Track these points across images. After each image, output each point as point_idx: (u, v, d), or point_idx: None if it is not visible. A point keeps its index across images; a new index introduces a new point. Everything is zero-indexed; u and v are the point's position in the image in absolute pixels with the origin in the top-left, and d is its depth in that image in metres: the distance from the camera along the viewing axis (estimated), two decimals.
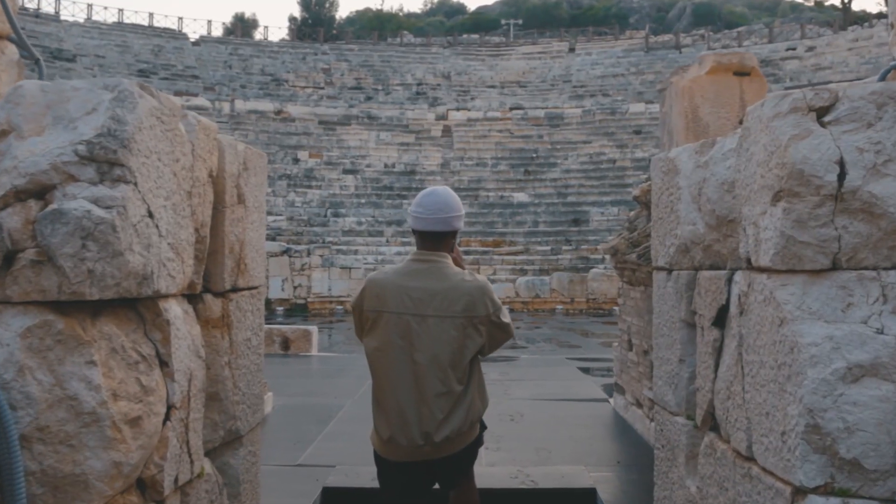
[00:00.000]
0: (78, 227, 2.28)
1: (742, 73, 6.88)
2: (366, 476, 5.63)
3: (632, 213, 7.23)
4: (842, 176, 2.32)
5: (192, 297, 3.18)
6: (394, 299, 3.20)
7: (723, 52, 7.22)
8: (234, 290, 3.54)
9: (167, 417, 2.74)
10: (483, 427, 3.48)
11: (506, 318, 3.33)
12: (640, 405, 7.23)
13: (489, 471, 5.74)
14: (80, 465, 2.37)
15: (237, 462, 3.62)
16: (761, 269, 2.56)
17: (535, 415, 7.88)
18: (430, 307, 3.16)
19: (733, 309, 2.85)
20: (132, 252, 2.42)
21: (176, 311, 2.81)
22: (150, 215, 2.56)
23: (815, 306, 2.34)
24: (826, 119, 2.37)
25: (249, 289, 3.76)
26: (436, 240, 3.32)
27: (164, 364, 2.72)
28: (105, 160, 2.36)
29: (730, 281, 2.94)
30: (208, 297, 3.30)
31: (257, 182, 3.82)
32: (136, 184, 2.44)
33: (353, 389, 9.31)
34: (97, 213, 2.30)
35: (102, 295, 2.37)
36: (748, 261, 2.69)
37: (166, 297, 2.76)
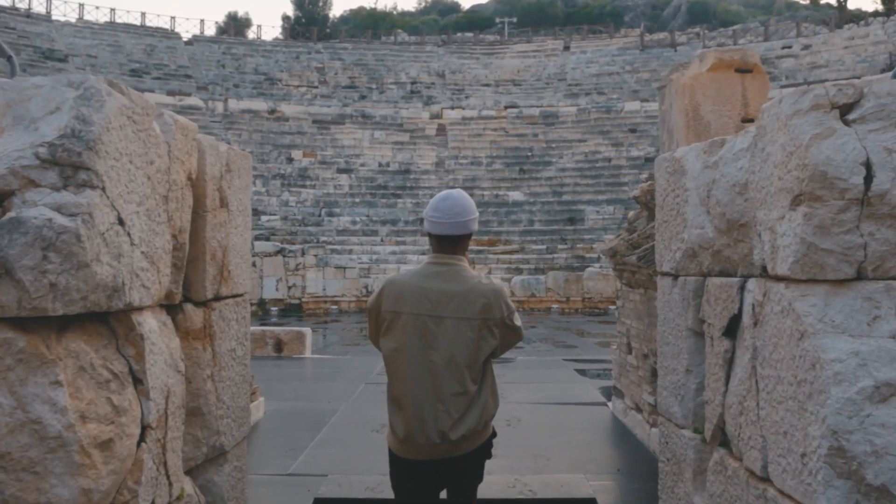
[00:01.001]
0: (38, 237, 2.10)
1: (744, 69, 6.70)
2: (358, 486, 5.46)
3: (631, 213, 7.06)
4: (868, 178, 2.14)
5: (170, 307, 3.00)
6: (412, 301, 3.23)
7: (724, 49, 7.04)
8: (217, 298, 3.36)
9: (142, 438, 2.55)
10: (493, 434, 3.50)
11: (518, 321, 3.40)
12: (639, 410, 7.06)
13: (486, 479, 5.50)
14: (45, 494, 2.19)
15: (222, 479, 3.44)
16: (779, 278, 2.39)
17: (532, 419, 7.71)
18: (448, 309, 3.20)
19: (746, 319, 2.68)
20: (100, 263, 2.24)
21: (151, 324, 2.62)
22: (121, 222, 2.37)
23: (838, 319, 2.17)
24: (850, 117, 2.19)
25: (234, 297, 3.58)
26: (453, 243, 3.36)
27: (138, 381, 2.54)
28: (69, 163, 2.18)
29: (742, 289, 2.76)
30: (188, 307, 3.12)
31: (241, 184, 3.63)
32: (104, 189, 2.26)
33: (346, 394, 9.13)
34: (60, 222, 2.12)
35: (67, 310, 2.18)
36: (763, 268, 2.52)
37: (140, 309, 2.58)
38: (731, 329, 2.86)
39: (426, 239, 26.89)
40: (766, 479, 2.51)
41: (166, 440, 2.71)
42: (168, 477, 2.74)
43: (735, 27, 55.82)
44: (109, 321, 2.46)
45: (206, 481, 3.36)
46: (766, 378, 2.47)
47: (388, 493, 5.34)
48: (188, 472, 3.20)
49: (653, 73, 43.65)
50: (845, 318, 2.17)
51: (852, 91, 2.20)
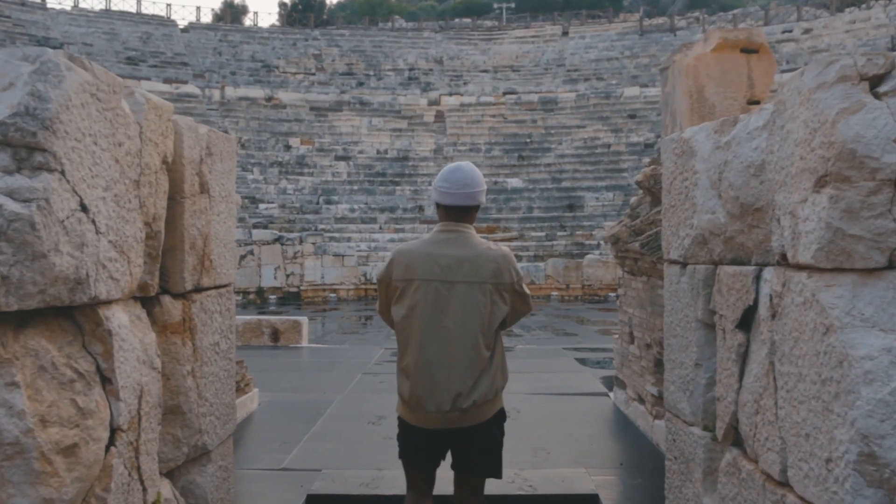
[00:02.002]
0: None
1: (750, 50, 6.48)
2: (353, 482, 5.29)
3: (633, 199, 6.86)
4: None
5: (145, 300, 2.81)
6: (422, 267, 3.26)
7: (729, 29, 6.82)
8: (198, 289, 3.17)
9: (111, 442, 2.37)
10: (504, 416, 3.50)
11: (527, 289, 3.43)
12: (642, 401, 6.89)
13: None
14: None
15: (205, 480, 3.26)
16: (800, 267, 2.19)
17: (532, 411, 7.53)
18: (459, 274, 3.23)
19: (763, 311, 2.49)
20: (59, 253, 2.04)
21: (121, 318, 2.43)
22: (84, 209, 2.18)
23: (868, 312, 1.98)
24: (881, 89, 1.99)
25: (216, 287, 3.38)
26: (461, 213, 3.40)
27: (106, 381, 2.35)
28: (22, 144, 1.98)
29: (758, 278, 2.57)
30: (166, 299, 2.93)
31: (224, 169, 3.43)
32: (63, 172, 2.06)
33: (342, 384, 8.95)
34: (12, 208, 1.92)
35: (23, 305, 1.99)
36: (783, 256, 2.32)
37: (108, 303, 2.38)
38: (746, 321, 2.67)
39: (425, 227, 26.80)
40: (785, 485, 2.32)
41: (140, 443, 2.53)
42: (142, 482, 2.56)
43: (735, 11, 55.42)
44: (75, 316, 2.27)
45: (188, 483, 3.18)
46: (786, 375, 2.29)
47: (383, 490, 5.19)
48: (168, 474, 3.02)
49: (652, 59, 43.34)
50: (876, 311, 1.98)
51: (883, 61, 2.00)
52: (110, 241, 2.33)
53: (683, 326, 3.25)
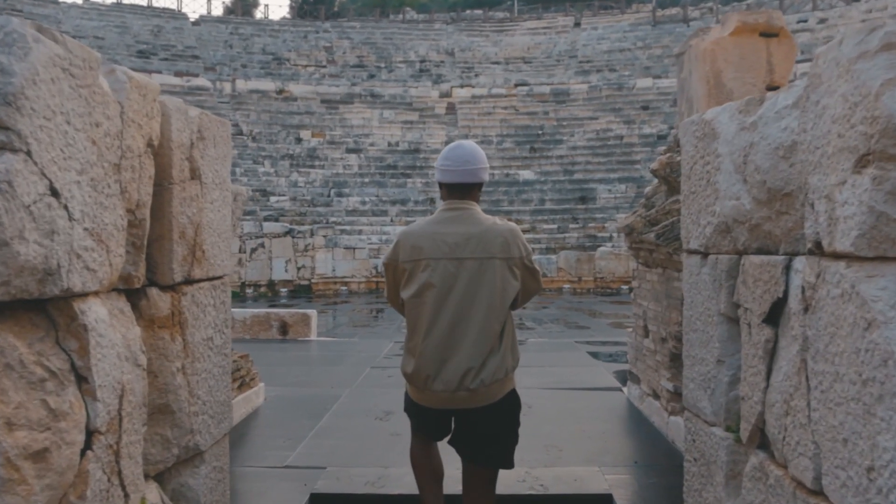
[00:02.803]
0: None
1: (770, 34, 6.25)
2: (358, 481, 5.12)
3: (648, 188, 6.64)
4: None
5: (131, 292, 2.63)
6: (429, 246, 3.20)
7: (748, 11, 6.59)
8: (189, 281, 3.00)
9: (88, 446, 2.20)
10: (519, 405, 3.52)
11: (537, 266, 3.39)
12: (656, 396, 6.69)
13: None
14: None
15: (197, 482, 3.09)
16: (837, 256, 1.99)
17: (544, 406, 7.35)
18: (467, 250, 3.17)
19: (794, 304, 2.29)
20: (24, 241, 1.87)
21: (99, 312, 2.25)
22: (55, 193, 2.00)
23: None
24: None
25: (210, 279, 3.21)
26: (463, 191, 3.36)
27: (82, 379, 2.17)
28: None
29: (788, 268, 2.37)
30: (153, 291, 2.75)
31: (218, 154, 3.25)
32: (29, 152, 1.89)
33: (350, 379, 8.79)
34: None
35: None
36: (817, 244, 2.12)
37: (84, 295, 2.21)
38: (774, 315, 2.47)
39: None
40: (818, 493, 2.13)
41: (120, 446, 2.35)
42: (123, 487, 2.39)
43: (749, 1, 54.85)
44: (48, 310, 2.10)
45: (180, 485, 3.01)
46: (821, 374, 2.09)
47: (389, 489, 5.02)
48: (157, 477, 2.85)
49: (665, 49, 42.95)
50: None
51: None
52: (86, 229, 2.16)
53: (704, 320, 3.05)
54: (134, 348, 2.48)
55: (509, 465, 3.47)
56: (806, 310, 2.19)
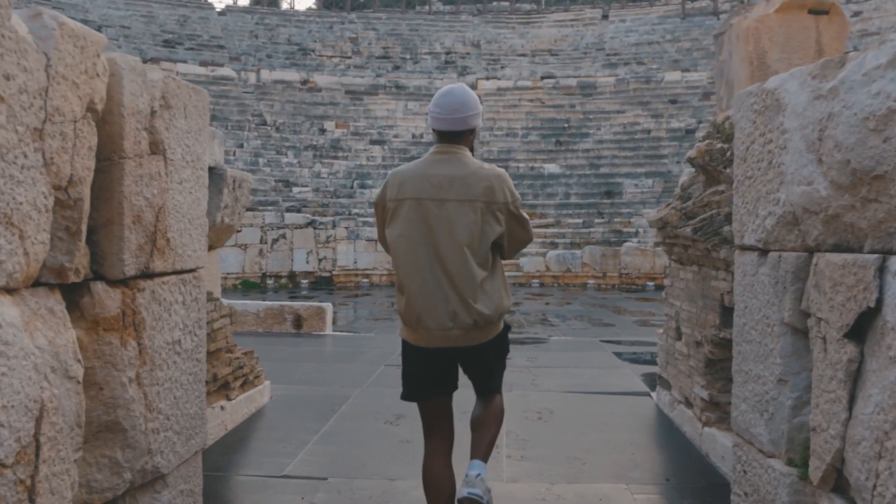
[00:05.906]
0: None
1: (819, 11, 5.69)
2: (360, 495, 4.66)
3: (684, 178, 6.11)
4: None
5: (68, 288, 2.17)
6: (414, 186, 3.27)
7: None
8: (148, 275, 2.53)
9: None
10: (507, 327, 3.57)
11: (526, 215, 3.43)
12: (689, 404, 6.17)
13: (511, 489, 4.75)
14: None
15: None
16: None
17: (566, 412, 6.85)
18: (450, 192, 3.22)
19: (891, 317, 1.78)
20: None
21: (8, 314, 1.79)
22: None
23: None
24: None
25: (177, 273, 2.75)
26: (454, 137, 3.39)
27: None
28: None
29: (881, 270, 1.86)
30: (98, 286, 2.29)
31: (190, 127, 2.78)
32: None
33: (362, 377, 8.35)
34: None
35: None
36: None
37: None
38: (860, 329, 1.96)
39: None
40: None
41: (37, 479, 1.89)
42: None
43: None
44: None
45: None
46: None
47: None
48: None
49: (694, 43, 42.14)
50: None
51: None
52: None
53: (762, 330, 2.54)
54: (64, 356, 2.02)
55: (497, 389, 3.59)
56: None
